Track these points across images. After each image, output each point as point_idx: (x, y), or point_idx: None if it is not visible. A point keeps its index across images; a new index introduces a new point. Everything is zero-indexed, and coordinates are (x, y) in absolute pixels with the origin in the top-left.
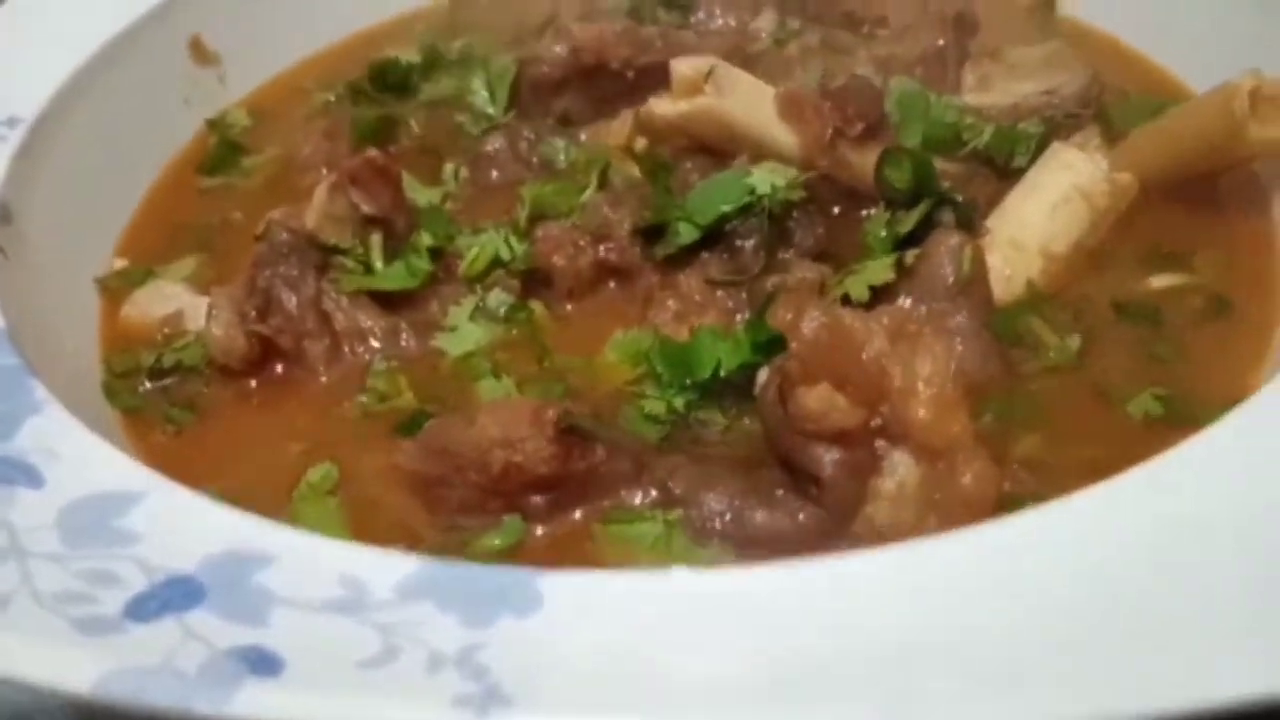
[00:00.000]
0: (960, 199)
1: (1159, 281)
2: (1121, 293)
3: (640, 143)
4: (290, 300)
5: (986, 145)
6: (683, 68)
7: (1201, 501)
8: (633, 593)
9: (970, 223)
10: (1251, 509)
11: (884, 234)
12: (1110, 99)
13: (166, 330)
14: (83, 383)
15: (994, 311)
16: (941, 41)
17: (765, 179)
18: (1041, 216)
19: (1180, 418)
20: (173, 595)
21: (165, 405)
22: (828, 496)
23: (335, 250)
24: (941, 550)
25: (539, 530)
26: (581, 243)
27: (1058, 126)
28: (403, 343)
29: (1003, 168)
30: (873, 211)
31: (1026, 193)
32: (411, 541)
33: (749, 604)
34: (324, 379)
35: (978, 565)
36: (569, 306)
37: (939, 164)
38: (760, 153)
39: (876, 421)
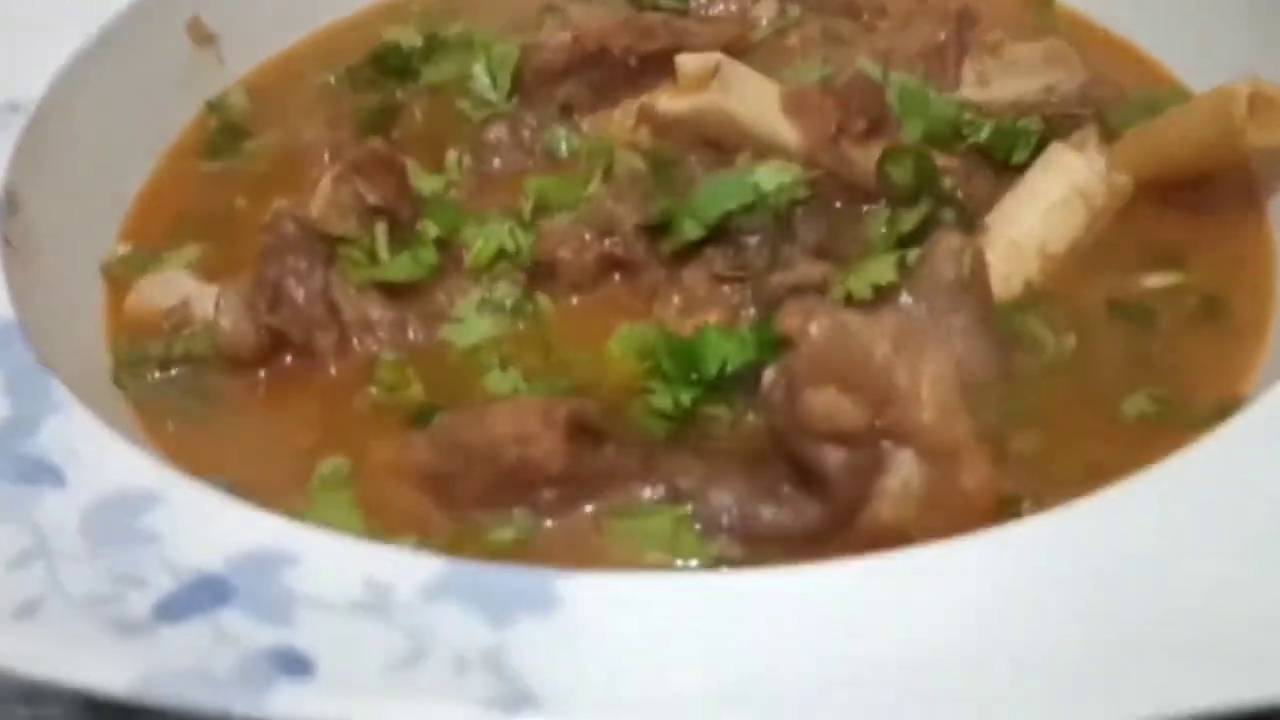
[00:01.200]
0: (961, 197)
1: (1153, 281)
2: (1117, 291)
3: (643, 133)
4: (299, 293)
5: (986, 141)
6: (689, 64)
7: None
8: (648, 592)
9: (970, 221)
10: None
11: (885, 231)
12: (1107, 96)
13: (174, 319)
14: (93, 372)
15: (994, 310)
16: (943, 35)
17: (771, 177)
18: (1040, 218)
19: (1173, 419)
20: (202, 596)
21: (176, 396)
22: (833, 495)
23: (341, 241)
24: (956, 555)
25: (549, 523)
26: (587, 236)
27: (1057, 125)
28: (410, 335)
29: (1002, 164)
30: (874, 208)
31: (1025, 194)
32: (424, 534)
33: (764, 606)
34: (333, 371)
35: (993, 568)
36: (575, 300)
37: (939, 159)
38: (764, 149)
39: (881, 423)
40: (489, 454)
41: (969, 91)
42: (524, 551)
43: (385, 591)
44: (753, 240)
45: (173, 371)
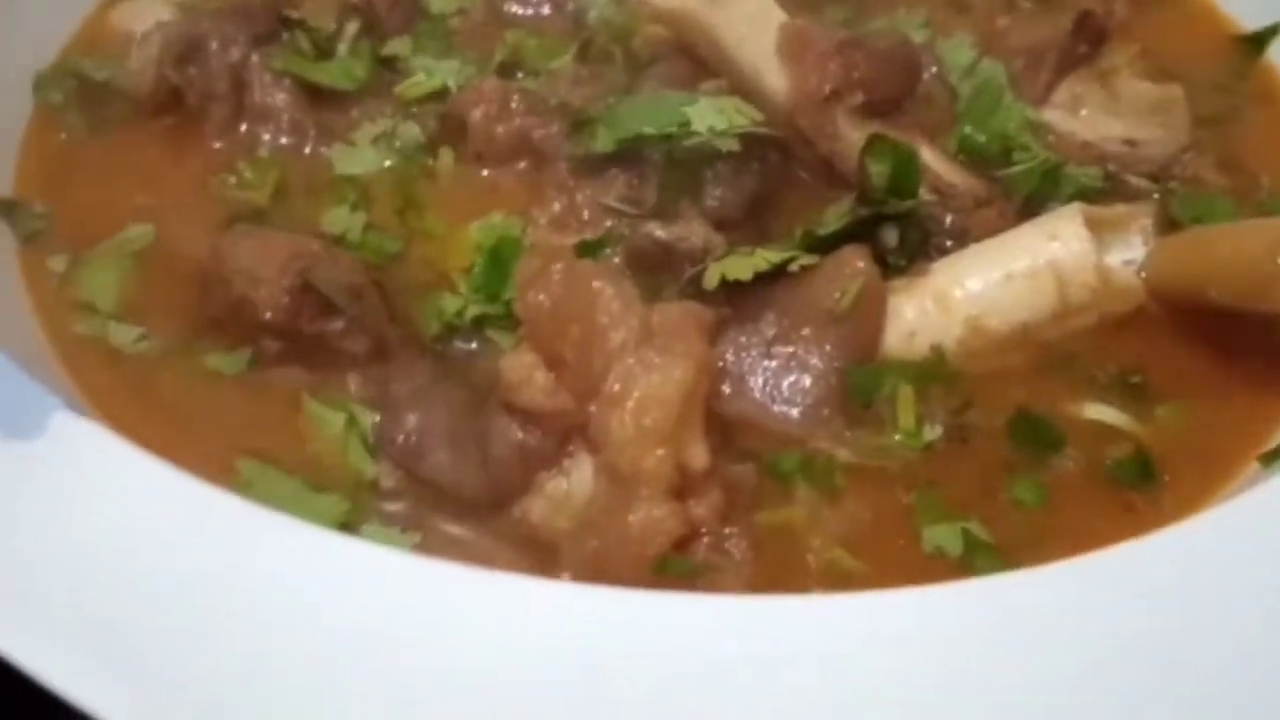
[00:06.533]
0: (950, 225)
1: (1093, 412)
2: (1040, 405)
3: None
4: (216, 58)
5: (1021, 175)
6: None
7: None
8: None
9: (919, 252)
10: None
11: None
12: (1198, 179)
13: (128, 46)
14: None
15: (867, 360)
16: (1057, 40)
17: (708, 116)
18: (989, 281)
19: (973, 570)
20: None
21: (75, 113)
22: (490, 471)
23: (300, 25)
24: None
25: (265, 374)
26: (513, 106)
27: (1116, 187)
28: (303, 139)
29: (1026, 207)
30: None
31: (994, 249)
32: (148, 329)
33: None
34: (217, 145)
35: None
36: (485, 172)
37: (964, 175)
38: (741, 85)
39: (581, 419)
40: (224, 280)
41: (1051, 113)
42: (219, 389)
43: None
44: (655, 178)
45: (90, 92)
